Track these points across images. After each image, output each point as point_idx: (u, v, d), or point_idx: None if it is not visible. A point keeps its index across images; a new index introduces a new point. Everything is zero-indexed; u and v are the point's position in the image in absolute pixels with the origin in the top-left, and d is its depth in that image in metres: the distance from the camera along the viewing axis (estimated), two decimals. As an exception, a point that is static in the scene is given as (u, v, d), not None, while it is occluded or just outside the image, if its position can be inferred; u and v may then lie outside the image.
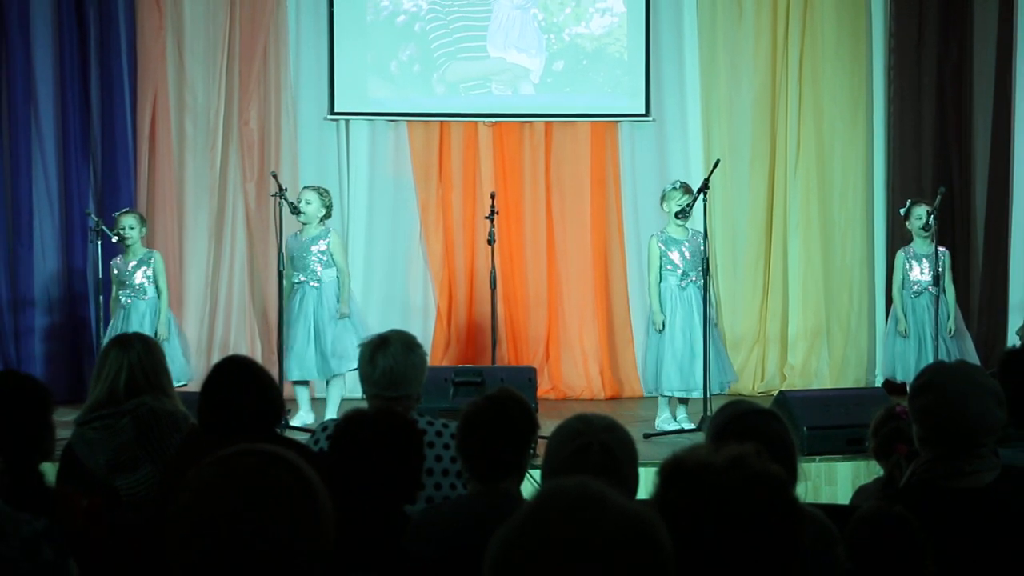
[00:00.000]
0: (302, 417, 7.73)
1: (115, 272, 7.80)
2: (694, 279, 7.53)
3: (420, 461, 3.04)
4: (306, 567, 1.63)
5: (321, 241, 7.83)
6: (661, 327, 7.50)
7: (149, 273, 7.85)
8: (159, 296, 7.86)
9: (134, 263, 7.84)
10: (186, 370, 7.84)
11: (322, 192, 7.95)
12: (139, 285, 7.82)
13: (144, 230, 8.01)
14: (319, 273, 7.79)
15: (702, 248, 7.54)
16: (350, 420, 3.06)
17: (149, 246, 8.77)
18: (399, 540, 2.83)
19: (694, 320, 7.49)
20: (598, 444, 2.67)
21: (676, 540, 1.64)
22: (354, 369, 7.94)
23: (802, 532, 1.77)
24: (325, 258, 7.81)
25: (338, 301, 7.79)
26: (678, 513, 1.73)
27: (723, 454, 1.77)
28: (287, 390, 7.33)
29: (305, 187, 8.07)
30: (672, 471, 1.80)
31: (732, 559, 1.72)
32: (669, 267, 7.57)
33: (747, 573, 1.72)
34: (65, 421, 4.46)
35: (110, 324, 7.81)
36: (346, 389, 8.68)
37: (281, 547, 1.61)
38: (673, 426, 7.48)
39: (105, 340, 7.73)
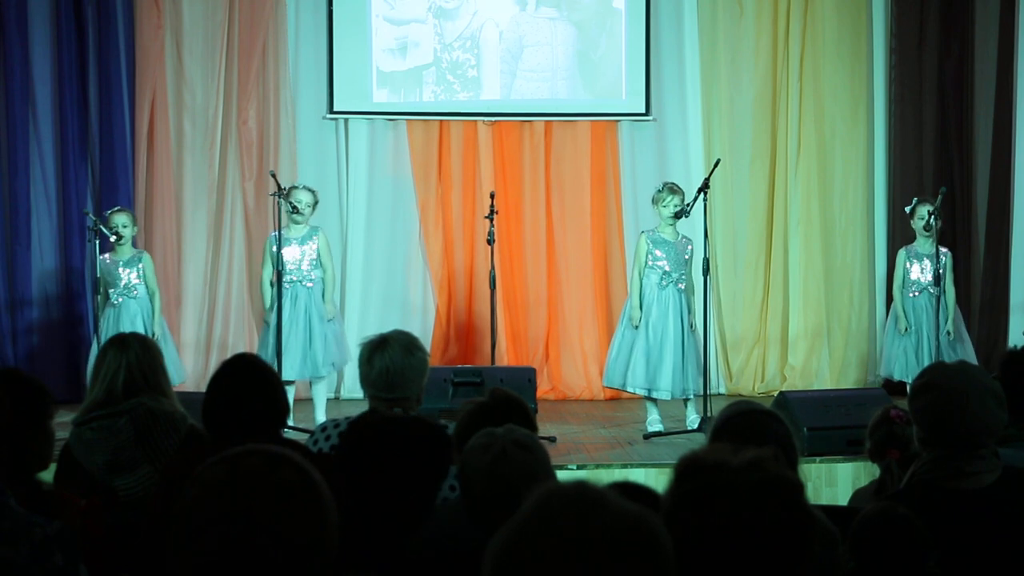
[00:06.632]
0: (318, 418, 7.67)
1: (102, 270, 7.76)
2: (675, 281, 7.52)
3: (444, 470, 3.05)
4: (309, 567, 1.64)
5: (311, 241, 7.82)
6: (637, 323, 7.50)
7: (139, 273, 7.84)
8: (151, 297, 7.86)
9: (123, 262, 7.82)
10: (179, 371, 7.84)
11: (313, 191, 7.93)
12: (129, 284, 7.81)
13: (135, 229, 8.02)
14: (310, 273, 7.78)
15: (687, 255, 7.54)
16: (381, 423, 3.04)
17: (147, 245, 8.78)
18: (403, 543, 2.83)
19: (668, 321, 7.48)
20: (509, 444, 2.72)
21: (685, 536, 1.64)
22: (340, 368, 8.06)
23: (813, 541, 1.76)
24: (314, 258, 7.80)
25: (326, 302, 7.81)
26: (690, 508, 1.73)
27: (741, 456, 1.77)
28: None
29: (296, 187, 7.94)
30: (688, 466, 1.80)
31: (739, 559, 1.71)
32: (651, 264, 7.55)
33: (753, 574, 1.72)
34: (63, 421, 4.44)
35: (100, 323, 7.79)
36: (336, 390, 8.69)
37: (285, 547, 1.62)
38: (658, 427, 7.46)
39: (96, 340, 7.76)
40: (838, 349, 9.55)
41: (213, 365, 8.58)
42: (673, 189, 7.59)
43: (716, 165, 7.73)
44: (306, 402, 8.09)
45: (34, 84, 8.93)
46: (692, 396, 7.48)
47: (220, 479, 1.65)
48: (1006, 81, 9.47)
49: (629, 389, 7.60)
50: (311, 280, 7.78)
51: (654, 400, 7.55)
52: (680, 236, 7.63)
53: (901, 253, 8.28)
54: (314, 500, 1.66)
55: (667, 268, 7.53)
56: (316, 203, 7.93)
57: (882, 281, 9.55)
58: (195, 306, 9.21)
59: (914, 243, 8.21)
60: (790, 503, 1.76)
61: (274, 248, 7.63)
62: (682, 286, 7.53)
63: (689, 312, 7.49)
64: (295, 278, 7.74)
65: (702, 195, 7.42)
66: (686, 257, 7.57)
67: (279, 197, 7.58)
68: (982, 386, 2.90)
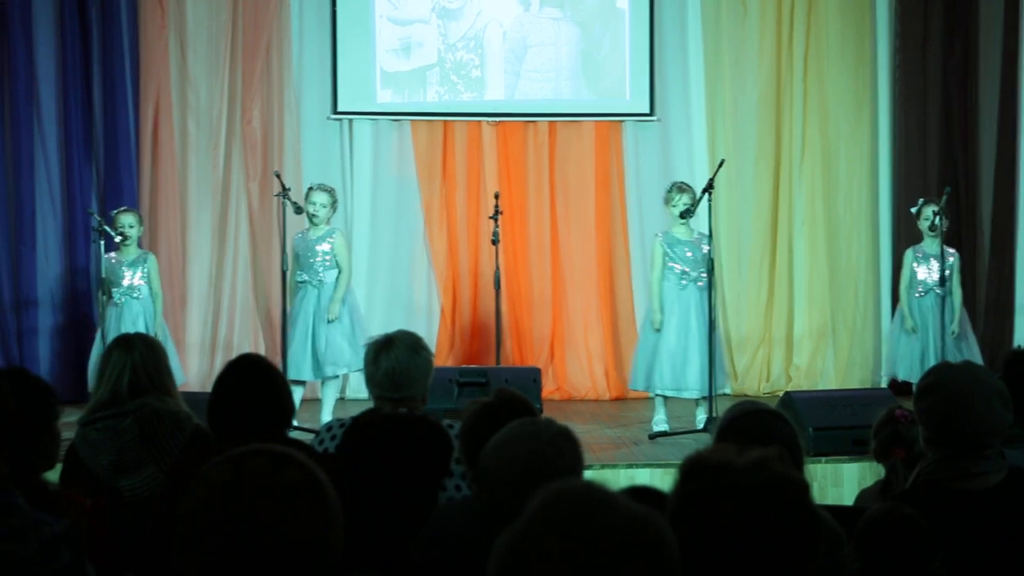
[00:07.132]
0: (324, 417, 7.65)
1: (107, 270, 7.76)
2: (695, 279, 7.51)
3: (445, 468, 3.04)
4: (314, 567, 1.64)
5: (325, 242, 7.81)
6: (659, 326, 7.49)
7: (144, 274, 7.84)
8: (154, 299, 7.85)
9: (127, 263, 7.82)
10: (178, 374, 7.82)
11: (330, 191, 7.93)
12: (132, 285, 7.81)
13: (141, 229, 8.02)
14: (321, 274, 7.77)
15: (705, 250, 7.53)
16: (382, 422, 3.04)
17: (152, 245, 8.78)
18: (405, 542, 2.83)
19: (690, 320, 7.47)
20: (555, 435, 2.65)
21: (690, 536, 1.63)
22: (346, 372, 8.02)
23: (818, 541, 1.76)
24: (329, 259, 7.78)
25: (331, 302, 7.76)
26: (696, 508, 1.73)
27: (747, 456, 1.77)
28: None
29: (313, 187, 7.97)
30: (694, 467, 1.80)
31: (745, 560, 1.71)
32: (670, 266, 7.55)
33: (757, 574, 1.72)
34: (68, 422, 4.45)
35: (103, 323, 7.79)
36: (341, 391, 8.68)
37: (290, 547, 1.62)
38: (664, 427, 7.45)
39: (99, 339, 7.76)
40: (843, 349, 9.54)
41: (218, 365, 8.57)
42: (682, 188, 7.61)
43: (720, 165, 7.72)
44: (313, 402, 8.08)
45: (38, 84, 8.94)
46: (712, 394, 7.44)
47: (225, 479, 1.64)
48: (1010, 80, 9.46)
49: (657, 391, 7.57)
50: (322, 280, 7.77)
51: (663, 399, 7.55)
52: (696, 233, 7.61)
53: (908, 253, 8.29)
54: (319, 500, 1.66)
55: (685, 268, 7.52)
56: (335, 202, 7.93)
57: (887, 281, 9.55)
58: (200, 306, 9.22)
59: (921, 243, 8.21)
60: (795, 503, 1.76)
61: (294, 248, 7.71)
62: (702, 284, 7.51)
63: (711, 309, 7.46)
64: (307, 277, 7.75)
65: (707, 195, 7.42)
66: (704, 252, 7.53)
67: (283, 197, 7.58)
68: (988, 386, 2.90)
